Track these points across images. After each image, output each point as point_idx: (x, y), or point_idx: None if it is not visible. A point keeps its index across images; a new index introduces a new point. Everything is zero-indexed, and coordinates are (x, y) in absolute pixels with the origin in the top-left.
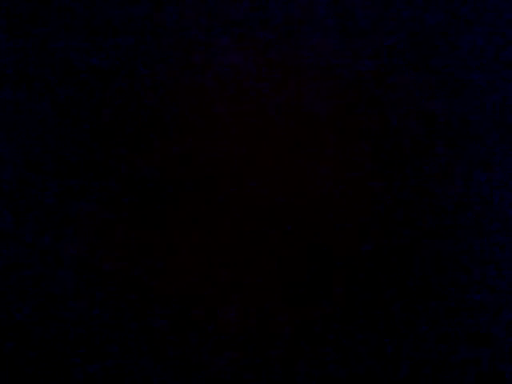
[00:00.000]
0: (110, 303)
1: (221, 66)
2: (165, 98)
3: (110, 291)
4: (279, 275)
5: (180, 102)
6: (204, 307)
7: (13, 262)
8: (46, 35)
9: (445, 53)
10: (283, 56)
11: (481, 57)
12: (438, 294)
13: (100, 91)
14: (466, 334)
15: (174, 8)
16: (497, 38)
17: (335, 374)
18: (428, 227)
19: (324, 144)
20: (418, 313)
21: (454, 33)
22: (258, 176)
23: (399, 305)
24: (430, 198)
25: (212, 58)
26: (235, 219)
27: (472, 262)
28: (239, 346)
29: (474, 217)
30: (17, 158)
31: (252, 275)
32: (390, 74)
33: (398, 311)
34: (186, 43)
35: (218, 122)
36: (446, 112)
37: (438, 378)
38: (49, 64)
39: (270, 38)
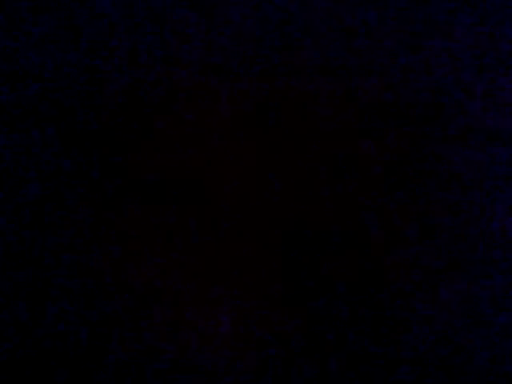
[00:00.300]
0: (107, 305)
1: (219, 66)
2: (165, 98)
3: (107, 292)
4: (279, 275)
5: (180, 102)
6: (203, 307)
7: (13, 262)
8: (45, 35)
9: (444, 52)
10: (283, 56)
11: (481, 56)
12: (438, 293)
13: (99, 92)
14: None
15: (174, 8)
16: (497, 37)
17: (335, 374)
18: (429, 227)
19: (324, 144)
20: (418, 313)
21: (453, 32)
22: (259, 176)
23: (399, 305)
24: (433, 198)
25: (211, 58)
26: (234, 219)
27: (472, 262)
28: (238, 345)
29: (474, 216)
30: (16, 158)
31: (251, 276)
32: (391, 73)
33: (398, 311)
34: (185, 43)
35: (218, 122)
36: (447, 112)
37: (439, 378)
38: (48, 64)
39: (270, 37)
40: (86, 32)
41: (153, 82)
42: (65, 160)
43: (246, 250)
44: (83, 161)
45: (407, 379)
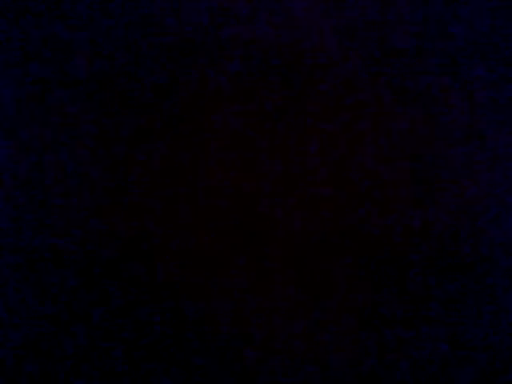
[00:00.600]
0: (107, 301)
1: (221, 66)
2: (165, 99)
3: (108, 289)
4: (280, 275)
5: (180, 103)
6: (204, 307)
7: (12, 261)
8: (45, 36)
9: (446, 51)
10: (284, 57)
11: (483, 55)
12: (439, 292)
13: (99, 93)
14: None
15: (173, 8)
16: (497, 36)
17: (336, 375)
18: (431, 226)
19: (326, 145)
20: (418, 313)
21: (455, 30)
22: (261, 176)
23: (400, 305)
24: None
25: (212, 59)
26: (235, 219)
27: (473, 261)
28: (239, 345)
29: (477, 216)
30: (15, 157)
31: (253, 276)
32: (392, 73)
33: (398, 311)
34: (186, 45)
35: (218, 122)
36: (448, 112)
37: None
38: (48, 65)
39: (271, 37)
40: (85, 33)
41: (153, 83)
42: (63, 161)
43: (246, 250)
44: (81, 162)
45: (407, 379)
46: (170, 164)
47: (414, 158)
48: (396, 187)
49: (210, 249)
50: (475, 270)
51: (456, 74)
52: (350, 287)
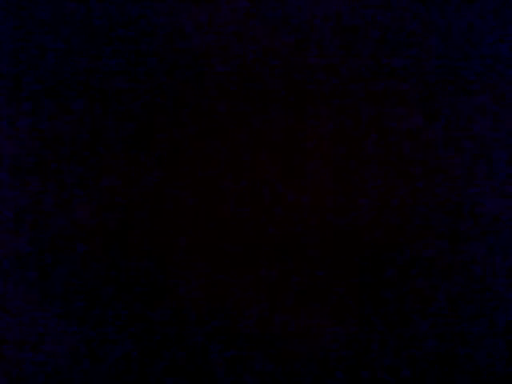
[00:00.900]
0: (111, 302)
1: (221, 67)
2: (166, 100)
3: (111, 290)
4: (281, 276)
5: (180, 104)
6: (205, 308)
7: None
8: (46, 36)
9: (446, 54)
10: (284, 57)
11: (483, 56)
12: (439, 292)
13: (100, 94)
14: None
15: (173, 8)
16: (497, 36)
17: (336, 375)
18: (431, 229)
19: (326, 147)
20: (419, 313)
21: (456, 34)
22: (261, 176)
23: (400, 305)
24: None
25: (212, 59)
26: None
27: (473, 262)
28: (240, 345)
29: (475, 218)
30: (15, 159)
31: (255, 277)
32: (392, 73)
33: (399, 311)
34: (187, 45)
35: (219, 123)
36: (449, 112)
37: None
38: (48, 66)
39: (270, 37)
40: (86, 33)
41: (153, 84)
42: (63, 161)
43: (249, 252)
44: (81, 162)
45: (408, 379)
46: (170, 164)
47: (413, 158)
48: (396, 187)
49: (210, 248)
50: (474, 268)
51: (456, 74)
52: (351, 285)
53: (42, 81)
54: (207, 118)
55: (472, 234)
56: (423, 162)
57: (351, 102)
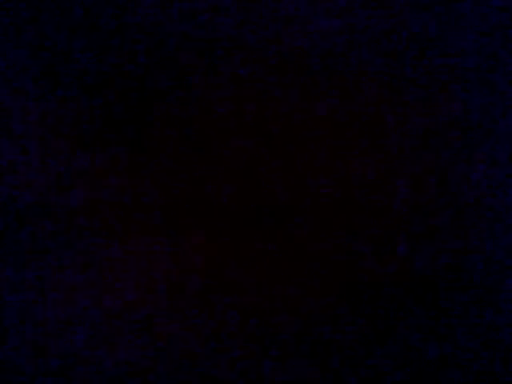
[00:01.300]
0: (112, 302)
1: (221, 67)
2: (166, 100)
3: (113, 289)
4: (282, 275)
5: (181, 104)
6: (206, 307)
7: (12, 261)
8: (46, 37)
9: (446, 53)
10: (284, 58)
11: (482, 56)
12: (439, 292)
13: (100, 94)
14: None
15: (173, 9)
16: (497, 37)
17: (336, 375)
18: (432, 227)
19: (326, 146)
20: (420, 313)
21: (455, 34)
22: (262, 176)
23: (400, 305)
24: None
25: (213, 60)
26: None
27: (474, 261)
28: (240, 345)
29: (481, 216)
30: (17, 158)
31: (254, 275)
32: (392, 74)
33: (399, 311)
34: (187, 46)
35: (219, 123)
36: (449, 112)
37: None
38: (48, 66)
39: (270, 38)
40: (86, 34)
41: (153, 84)
42: (63, 160)
43: (249, 249)
44: (81, 162)
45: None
46: (171, 164)
47: (414, 157)
48: (396, 187)
49: (211, 247)
50: (479, 272)
51: (456, 74)
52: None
53: (48, 75)
54: (207, 118)
55: (472, 233)
56: (423, 161)
57: (350, 99)
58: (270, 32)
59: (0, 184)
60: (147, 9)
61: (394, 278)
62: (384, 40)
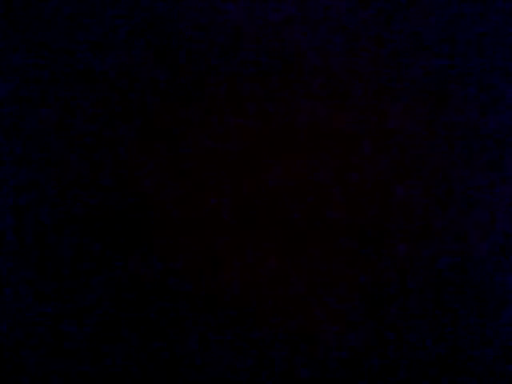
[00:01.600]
0: (109, 303)
1: (221, 67)
2: (167, 100)
3: (110, 290)
4: (282, 274)
5: (182, 105)
6: (206, 306)
7: (13, 262)
8: (47, 37)
9: (446, 53)
10: (284, 59)
11: (482, 58)
12: (439, 292)
13: (101, 94)
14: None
15: (173, 9)
16: (498, 38)
17: (336, 375)
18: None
19: (325, 148)
20: (419, 313)
21: (456, 36)
22: (262, 176)
23: (400, 304)
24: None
25: (209, 59)
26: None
27: (472, 262)
28: (240, 344)
29: (477, 218)
30: (16, 159)
31: (254, 272)
32: (393, 74)
33: (399, 311)
34: (187, 46)
35: (219, 123)
36: (449, 113)
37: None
38: (49, 66)
39: (270, 38)
40: (87, 34)
41: (155, 85)
42: (64, 162)
43: (249, 246)
44: (82, 162)
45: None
46: (171, 164)
47: (414, 158)
48: (396, 187)
49: (212, 245)
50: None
51: (456, 74)
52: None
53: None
54: (207, 118)
55: (472, 233)
56: (423, 161)
57: (351, 100)
58: (270, 32)
59: (0, 184)
60: (147, 9)
61: (393, 278)
62: (384, 40)
